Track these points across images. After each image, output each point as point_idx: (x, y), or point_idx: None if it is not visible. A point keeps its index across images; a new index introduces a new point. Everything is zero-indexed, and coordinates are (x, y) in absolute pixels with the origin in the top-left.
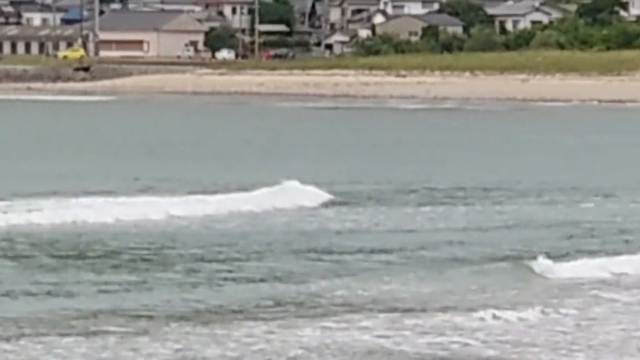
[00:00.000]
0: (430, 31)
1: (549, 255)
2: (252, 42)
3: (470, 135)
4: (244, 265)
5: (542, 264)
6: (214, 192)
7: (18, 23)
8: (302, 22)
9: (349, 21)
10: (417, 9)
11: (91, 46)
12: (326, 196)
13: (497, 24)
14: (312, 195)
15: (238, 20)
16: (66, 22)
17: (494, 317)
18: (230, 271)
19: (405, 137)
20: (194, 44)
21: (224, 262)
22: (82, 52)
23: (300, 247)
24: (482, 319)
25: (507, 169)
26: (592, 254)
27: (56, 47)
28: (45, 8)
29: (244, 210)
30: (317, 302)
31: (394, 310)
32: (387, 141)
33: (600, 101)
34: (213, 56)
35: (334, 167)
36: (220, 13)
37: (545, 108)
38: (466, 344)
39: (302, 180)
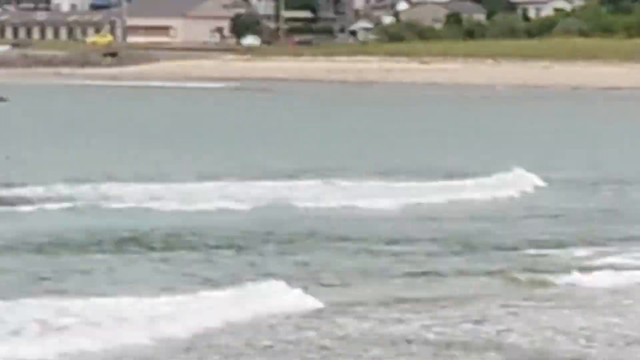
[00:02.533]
0: (453, 18)
1: None
2: (277, 29)
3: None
4: None
5: None
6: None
7: (47, 9)
8: (327, 9)
9: (373, 8)
10: None
11: (119, 32)
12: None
13: (519, 11)
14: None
15: (263, 7)
16: (94, 7)
17: None
18: None
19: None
20: (220, 30)
21: None
22: (110, 37)
23: None
24: None
25: None
26: None
27: (84, 33)
28: None
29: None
30: None
31: None
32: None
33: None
34: (238, 42)
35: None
36: None
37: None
38: None
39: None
